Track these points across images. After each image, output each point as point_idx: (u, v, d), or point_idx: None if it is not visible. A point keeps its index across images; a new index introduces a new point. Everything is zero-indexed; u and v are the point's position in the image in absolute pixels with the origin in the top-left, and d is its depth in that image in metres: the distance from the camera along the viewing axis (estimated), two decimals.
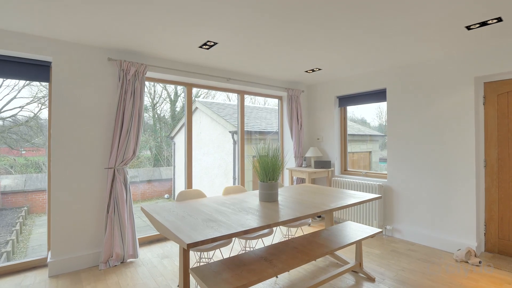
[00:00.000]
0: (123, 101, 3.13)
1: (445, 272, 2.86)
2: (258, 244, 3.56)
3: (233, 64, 3.81)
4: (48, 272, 2.81)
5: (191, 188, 3.96)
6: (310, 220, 3.80)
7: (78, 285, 2.64)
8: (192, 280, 2.70)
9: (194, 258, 3.20)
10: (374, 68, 4.09)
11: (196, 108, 7.88)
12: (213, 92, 9.37)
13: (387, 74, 4.07)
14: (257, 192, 3.00)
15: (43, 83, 3.93)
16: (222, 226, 1.82)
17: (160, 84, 5.32)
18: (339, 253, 3.21)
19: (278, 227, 4.20)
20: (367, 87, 4.33)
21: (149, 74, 3.54)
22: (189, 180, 3.97)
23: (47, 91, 3.11)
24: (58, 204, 2.88)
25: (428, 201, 3.62)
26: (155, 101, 8.59)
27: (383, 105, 4.82)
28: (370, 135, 7.49)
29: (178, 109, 8.88)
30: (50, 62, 2.97)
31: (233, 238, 3.62)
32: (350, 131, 4.93)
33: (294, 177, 4.88)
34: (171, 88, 8.43)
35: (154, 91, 8.39)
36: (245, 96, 4.73)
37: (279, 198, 2.69)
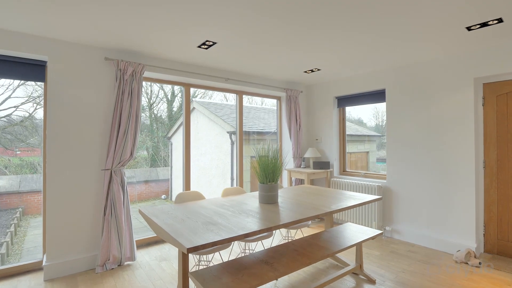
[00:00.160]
0: (120, 101, 3.08)
1: (446, 273, 2.85)
2: (257, 246, 3.52)
3: (231, 64, 3.77)
4: (44, 275, 2.75)
5: (189, 189, 3.92)
6: (310, 222, 3.78)
7: None
8: (191, 284, 2.66)
9: (193, 260, 3.16)
10: (373, 69, 4.08)
11: (194, 108, 7.83)
12: (210, 92, 9.31)
13: (387, 75, 4.05)
14: (256, 193, 2.97)
15: (38, 83, 3.86)
16: (222, 230, 1.79)
17: (157, 84, 5.27)
18: (339, 254, 3.19)
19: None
20: (366, 88, 4.32)
21: (146, 74, 3.49)
22: (187, 181, 3.93)
23: (43, 90, 3.05)
24: (53, 206, 2.83)
25: (428, 202, 3.62)
26: (151, 101, 8.52)
27: (379, 106, 4.82)
28: (368, 136, 7.50)
29: (175, 109, 8.82)
30: (45, 62, 2.91)
31: None
32: (347, 131, 4.92)
33: (293, 178, 4.85)
34: (168, 88, 8.37)
35: (151, 91, 8.31)
36: (243, 96, 4.69)
37: (279, 200, 2.66)
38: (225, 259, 3.16)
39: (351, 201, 2.56)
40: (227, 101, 8.78)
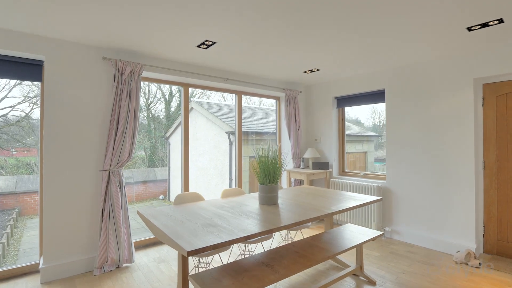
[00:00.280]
0: (118, 101, 3.05)
1: (446, 274, 2.85)
2: (257, 247, 3.50)
3: (231, 64, 3.75)
4: (40, 278, 2.71)
5: (188, 190, 3.88)
6: (310, 223, 3.76)
7: None
8: (191, 286, 2.63)
9: (192, 262, 3.13)
10: (373, 69, 4.07)
11: (192, 108, 7.80)
12: (208, 92, 9.28)
13: (386, 75, 4.05)
14: (256, 194, 2.95)
15: (35, 83, 3.82)
16: (222, 232, 1.77)
17: (155, 84, 5.24)
18: (339, 256, 3.17)
19: None
20: (365, 88, 4.31)
21: (145, 74, 3.46)
22: (186, 182, 3.90)
23: (39, 90, 3.01)
24: (50, 208, 2.79)
25: (427, 203, 3.61)
26: (149, 101, 8.46)
27: (377, 106, 4.81)
28: (367, 136, 7.50)
29: (172, 109, 8.77)
30: (42, 61, 2.87)
31: None
32: (346, 131, 4.91)
33: (292, 179, 4.83)
34: (165, 88, 8.32)
35: (149, 90, 8.27)
36: (242, 96, 4.66)
37: (279, 201, 2.64)
38: (225, 261, 3.13)
39: (352, 202, 2.54)
40: (225, 101, 8.75)
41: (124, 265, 3.09)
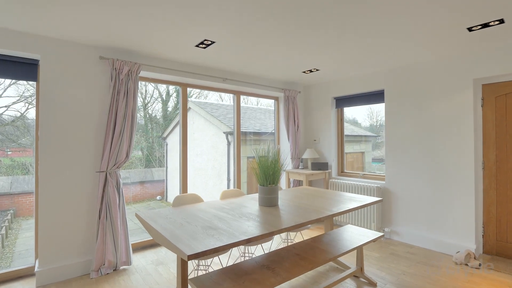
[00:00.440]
0: (115, 101, 3.00)
1: (446, 275, 2.84)
2: (257, 249, 3.47)
3: (229, 64, 3.71)
4: (36, 282, 2.66)
5: (187, 191, 3.84)
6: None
7: None
8: None
9: (191, 265, 3.09)
10: (372, 69, 4.05)
11: (189, 108, 7.75)
12: (205, 92, 9.24)
13: (386, 75, 4.04)
14: (255, 195, 2.92)
15: (30, 82, 3.75)
16: (223, 235, 1.73)
17: (152, 83, 5.18)
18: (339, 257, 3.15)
19: None
20: (364, 88, 4.30)
21: (142, 73, 3.41)
22: (184, 183, 3.86)
23: (35, 90, 2.96)
24: (46, 209, 2.74)
25: (427, 203, 3.61)
26: (146, 101, 8.41)
27: (374, 106, 4.80)
28: (365, 136, 7.50)
29: (170, 109, 8.72)
30: (37, 60, 2.82)
31: None
32: (344, 132, 4.89)
33: (291, 179, 4.81)
34: (162, 87, 8.27)
35: (146, 90, 8.21)
36: (240, 96, 4.63)
37: (279, 202, 2.61)
38: (224, 263, 3.10)
39: (352, 203, 2.52)
40: (222, 101, 8.71)
41: (121, 267, 3.04)
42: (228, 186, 6.70)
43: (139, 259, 3.24)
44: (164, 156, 8.10)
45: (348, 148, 7.15)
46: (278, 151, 2.50)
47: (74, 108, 2.89)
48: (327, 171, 4.58)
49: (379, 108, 5.57)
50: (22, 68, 2.75)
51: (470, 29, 2.61)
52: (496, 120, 3.21)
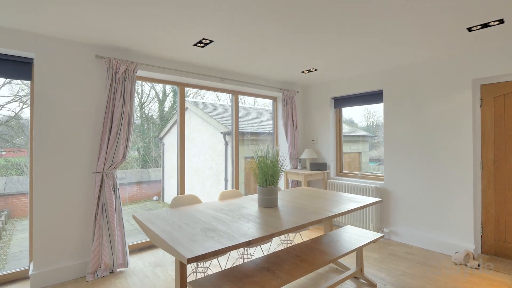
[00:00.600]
0: (112, 101, 2.95)
1: (445, 275, 2.83)
2: (256, 250, 3.44)
3: (228, 63, 3.68)
4: (30, 285, 2.60)
5: (184, 192, 3.80)
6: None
7: None
8: None
9: (189, 267, 3.05)
10: (371, 69, 4.04)
11: (186, 108, 7.70)
12: (202, 92, 9.19)
13: (384, 75, 4.03)
14: (254, 196, 2.89)
15: (25, 81, 3.69)
16: (223, 237, 1.70)
17: (148, 83, 5.13)
18: None
19: None
20: (363, 88, 4.29)
21: (139, 73, 3.36)
22: (182, 183, 3.81)
23: (29, 89, 2.90)
24: (41, 211, 2.68)
25: (425, 203, 3.60)
26: (142, 101, 8.33)
27: (370, 106, 4.79)
28: (363, 136, 7.51)
29: (166, 109, 8.65)
30: (32, 59, 2.76)
31: None
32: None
33: (289, 180, 4.79)
34: (159, 87, 8.21)
35: (142, 90, 8.14)
36: (238, 96, 4.60)
37: (278, 203, 2.58)
38: (223, 264, 3.06)
39: (352, 204, 2.50)
40: (219, 101, 8.66)
41: (118, 270, 2.99)
42: (226, 187, 6.66)
43: (136, 261, 3.19)
44: (160, 156, 8.04)
45: (345, 148, 7.14)
46: (277, 152, 2.47)
47: (70, 108, 2.84)
48: (325, 171, 4.57)
49: (375, 108, 5.56)
50: (16, 67, 2.69)
51: (470, 29, 2.60)
52: (495, 121, 3.21)
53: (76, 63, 2.87)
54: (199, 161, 7.48)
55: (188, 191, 7.67)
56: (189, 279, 2.79)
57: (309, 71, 4.11)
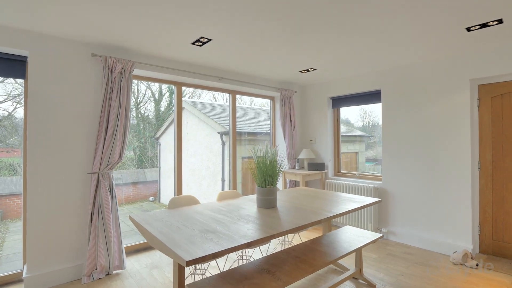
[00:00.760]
0: (108, 100, 2.90)
1: (444, 275, 2.83)
2: (255, 251, 3.41)
3: (226, 62, 3.64)
4: None
5: (182, 192, 3.76)
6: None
7: None
8: None
9: (187, 269, 3.02)
10: (369, 69, 4.03)
11: (183, 107, 7.64)
12: (198, 91, 9.13)
13: (382, 75, 4.02)
14: (252, 197, 2.86)
15: (18, 80, 3.62)
16: (222, 238, 1.67)
17: (144, 82, 5.07)
18: None
19: None
20: (361, 88, 4.28)
21: (136, 71, 3.32)
22: (179, 184, 3.77)
23: (23, 88, 2.84)
24: (35, 212, 2.62)
25: (423, 203, 3.60)
26: (138, 100, 8.26)
27: (366, 106, 4.79)
28: (360, 136, 7.52)
29: (162, 109, 8.59)
30: (26, 57, 2.70)
31: None
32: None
33: (287, 180, 4.77)
34: (155, 87, 8.14)
35: (138, 89, 8.07)
36: (236, 96, 4.56)
37: (277, 203, 2.56)
38: (222, 266, 3.03)
39: (351, 204, 2.49)
40: (216, 100, 8.62)
41: (114, 272, 2.94)
42: (223, 187, 6.61)
43: (132, 263, 3.14)
44: (157, 156, 7.98)
45: (342, 148, 7.14)
46: (276, 152, 2.44)
47: (65, 107, 2.78)
48: (323, 171, 4.55)
49: (371, 108, 5.56)
50: (9, 65, 2.63)
51: (469, 29, 2.60)
52: (492, 121, 3.22)
53: (71, 62, 2.82)
54: (196, 161, 7.43)
55: (184, 191, 7.62)
56: (187, 281, 2.75)
57: (307, 70, 4.09)
